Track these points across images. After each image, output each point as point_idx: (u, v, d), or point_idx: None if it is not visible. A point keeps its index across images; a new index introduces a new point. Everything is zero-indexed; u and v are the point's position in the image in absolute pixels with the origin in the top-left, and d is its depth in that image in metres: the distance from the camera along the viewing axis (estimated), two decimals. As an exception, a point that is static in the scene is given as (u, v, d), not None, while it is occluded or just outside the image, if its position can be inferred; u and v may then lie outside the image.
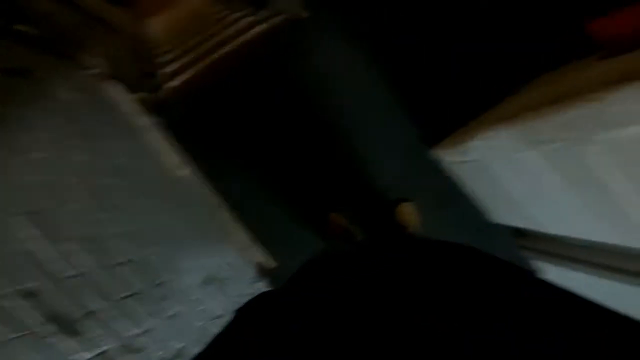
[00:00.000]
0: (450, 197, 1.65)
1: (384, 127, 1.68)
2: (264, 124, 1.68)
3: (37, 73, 0.95)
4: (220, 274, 1.31)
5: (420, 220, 1.59)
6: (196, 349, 0.40)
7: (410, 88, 1.69)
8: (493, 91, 1.45)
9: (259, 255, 1.57)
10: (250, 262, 1.52)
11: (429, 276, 0.47)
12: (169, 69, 2.19)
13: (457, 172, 1.60)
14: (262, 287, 1.47)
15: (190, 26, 2.98)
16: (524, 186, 1.25)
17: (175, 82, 1.97)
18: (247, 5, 2.41)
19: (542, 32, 1.44)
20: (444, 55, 1.67)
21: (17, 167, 0.65)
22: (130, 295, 0.72)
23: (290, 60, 1.74)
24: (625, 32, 0.99)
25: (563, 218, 1.20)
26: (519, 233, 1.59)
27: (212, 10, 3.15)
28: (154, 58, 2.54)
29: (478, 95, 1.49)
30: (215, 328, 0.43)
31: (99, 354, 0.57)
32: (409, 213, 1.59)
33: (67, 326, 0.53)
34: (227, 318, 0.47)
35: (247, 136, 1.67)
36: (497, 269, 0.48)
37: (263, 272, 1.53)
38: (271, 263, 1.57)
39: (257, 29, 2.08)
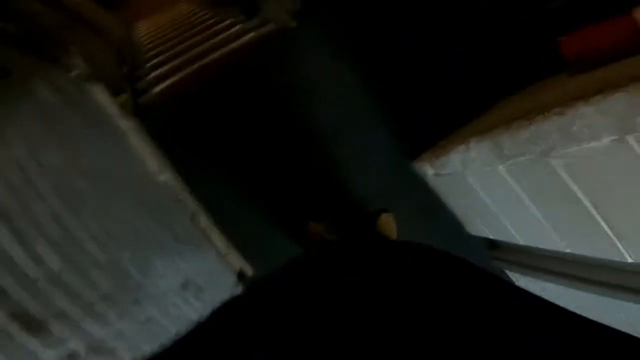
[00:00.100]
0: (429, 209, 1.69)
1: (366, 138, 1.72)
2: (247, 131, 1.69)
3: (16, 72, 0.95)
4: (198, 280, 1.30)
5: (398, 231, 1.62)
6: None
7: (393, 100, 1.74)
8: (474, 105, 1.50)
9: (238, 262, 1.57)
10: (228, 269, 1.51)
11: (408, 281, 0.47)
12: (154, 74, 2.19)
13: (436, 185, 1.64)
14: (240, 293, 1.46)
15: (179, 32, 2.99)
16: (495, 199, 1.29)
17: (160, 87, 1.97)
18: (237, 13, 2.44)
19: (518, 48, 1.51)
20: (428, 69, 1.72)
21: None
22: (101, 297, 0.72)
23: (276, 68, 1.77)
24: (593, 49, 1.02)
25: (532, 230, 1.25)
26: (493, 245, 1.64)
27: (202, 17, 3.17)
28: (140, 62, 2.54)
29: (459, 109, 1.54)
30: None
31: (65, 354, 0.56)
32: (388, 224, 1.61)
33: (33, 325, 0.52)
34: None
35: (229, 143, 1.68)
36: (476, 276, 0.48)
37: (241, 278, 1.52)
38: (249, 270, 1.57)
39: (246, 37, 2.10)
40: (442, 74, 1.70)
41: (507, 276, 1.59)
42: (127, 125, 1.55)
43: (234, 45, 2.11)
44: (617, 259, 1.02)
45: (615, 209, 0.93)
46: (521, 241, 1.39)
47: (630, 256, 0.98)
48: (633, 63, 0.86)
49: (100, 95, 1.47)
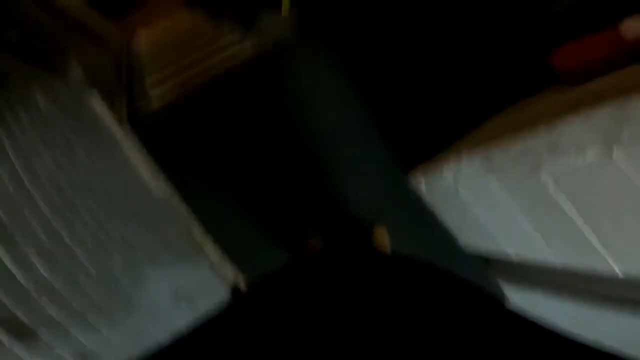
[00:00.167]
0: (425, 222, 1.69)
1: (362, 151, 1.73)
2: (243, 142, 1.70)
3: (15, 80, 0.96)
4: (190, 290, 1.29)
5: (393, 244, 1.62)
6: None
7: (390, 114, 1.76)
8: (469, 119, 1.52)
9: (230, 273, 1.56)
10: (221, 280, 1.50)
11: (402, 296, 0.47)
12: (152, 83, 2.21)
13: (431, 198, 1.65)
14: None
15: (177, 45, 3.02)
16: (487, 213, 1.30)
17: (157, 97, 1.98)
18: (235, 27, 2.48)
19: (511, 63, 1.54)
20: (424, 83, 1.75)
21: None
22: (91, 306, 0.71)
23: (273, 82, 1.79)
24: (583, 62, 1.04)
25: (524, 243, 1.26)
26: (486, 259, 1.64)
27: (201, 32, 3.20)
28: (138, 73, 2.56)
29: (455, 122, 1.55)
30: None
31: (51, 363, 0.56)
32: (382, 236, 1.62)
33: (20, 332, 0.52)
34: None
35: (225, 154, 1.69)
36: (471, 295, 0.48)
37: (234, 289, 1.51)
38: (242, 281, 1.56)
39: (243, 49, 2.13)
40: (437, 88, 1.73)
41: (502, 289, 1.59)
42: (122, 135, 1.56)
43: (231, 57, 2.14)
44: (606, 272, 1.03)
45: (604, 223, 0.94)
46: (513, 255, 1.40)
47: (620, 270, 0.99)
48: (619, 76, 0.89)
49: (97, 105, 1.48)
